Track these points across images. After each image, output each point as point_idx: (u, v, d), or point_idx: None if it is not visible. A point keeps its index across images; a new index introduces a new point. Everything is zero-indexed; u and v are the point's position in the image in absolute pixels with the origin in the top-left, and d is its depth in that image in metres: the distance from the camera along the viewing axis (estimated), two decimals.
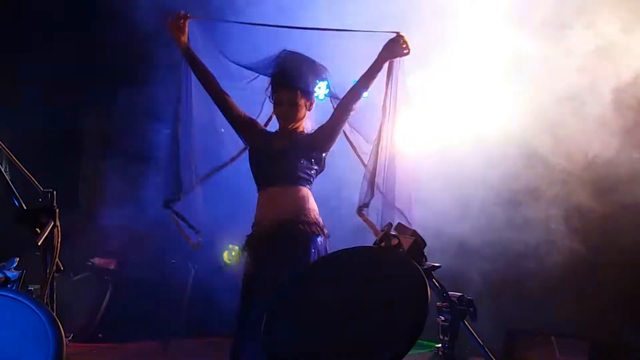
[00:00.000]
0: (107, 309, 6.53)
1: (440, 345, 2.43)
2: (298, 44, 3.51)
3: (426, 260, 2.47)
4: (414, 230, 2.54)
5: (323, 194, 3.54)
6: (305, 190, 3.42)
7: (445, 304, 2.42)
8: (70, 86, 6.78)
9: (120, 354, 6.25)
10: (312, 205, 3.42)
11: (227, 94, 3.53)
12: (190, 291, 6.48)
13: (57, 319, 2.07)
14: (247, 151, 3.59)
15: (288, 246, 3.31)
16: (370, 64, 3.46)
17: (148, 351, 6.21)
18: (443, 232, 4.41)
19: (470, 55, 4.75)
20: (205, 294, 6.26)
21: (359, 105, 3.50)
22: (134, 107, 6.41)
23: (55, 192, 2.41)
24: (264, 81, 3.54)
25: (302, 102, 3.45)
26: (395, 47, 3.41)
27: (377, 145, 3.43)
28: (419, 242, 2.47)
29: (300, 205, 3.38)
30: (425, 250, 2.49)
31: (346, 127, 3.56)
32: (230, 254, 6.56)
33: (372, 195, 3.40)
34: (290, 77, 3.41)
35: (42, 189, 2.43)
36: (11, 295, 2.12)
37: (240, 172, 3.58)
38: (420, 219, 3.42)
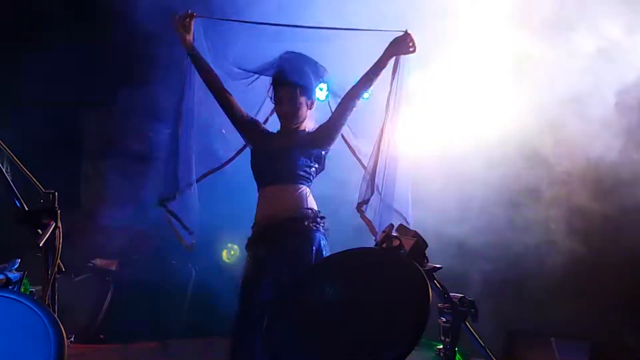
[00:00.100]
0: (108, 310, 6.51)
1: (441, 346, 2.43)
2: (298, 44, 3.51)
3: (427, 262, 2.47)
4: (415, 231, 2.55)
5: (324, 196, 3.55)
6: (305, 188, 3.43)
7: (446, 305, 2.43)
8: (70, 86, 6.77)
9: (121, 355, 6.24)
10: (312, 202, 3.44)
11: (230, 93, 3.55)
12: (190, 292, 6.48)
13: (58, 320, 2.07)
14: (244, 152, 3.60)
15: (288, 243, 3.33)
16: (372, 63, 3.47)
17: (148, 351, 6.20)
18: (443, 232, 4.40)
19: (471, 56, 4.74)
20: (205, 294, 6.25)
21: (359, 103, 3.51)
22: (134, 107, 6.40)
23: (56, 193, 2.41)
24: (264, 82, 3.55)
25: (302, 99, 3.47)
26: (401, 45, 3.45)
27: (379, 144, 3.44)
28: (420, 244, 2.47)
29: (299, 202, 3.40)
30: (426, 251, 2.49)
31: (346, 130, 3.56)
32: (230, 253, 6.55)
33: (372, 192, 3.42)
34: (290, 74, 3.44)
35: (43, 190, 2.43)
36: (13, 297, 2.13)
37: (240, 172, 3.58)
38: (420, 220, 3.42)
